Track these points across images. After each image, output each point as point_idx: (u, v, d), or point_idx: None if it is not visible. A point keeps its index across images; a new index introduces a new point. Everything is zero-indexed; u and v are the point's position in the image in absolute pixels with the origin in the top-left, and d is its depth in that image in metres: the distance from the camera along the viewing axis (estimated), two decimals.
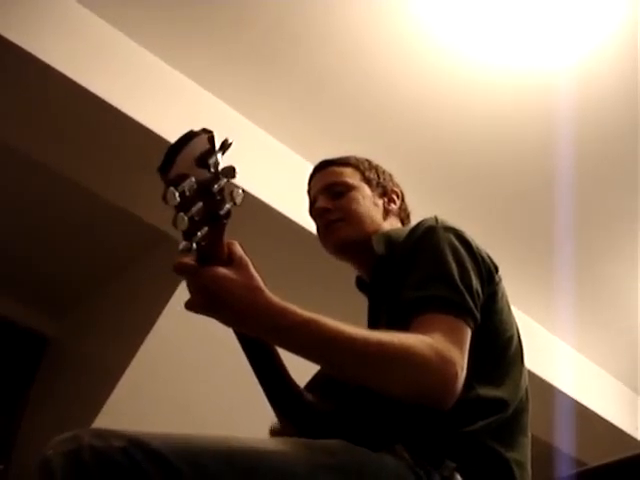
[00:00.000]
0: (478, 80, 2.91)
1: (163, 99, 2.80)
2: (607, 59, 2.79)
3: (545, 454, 4.18)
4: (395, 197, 1.62)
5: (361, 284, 1.56)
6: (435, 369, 1.10)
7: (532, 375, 3.87)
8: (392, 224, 1.57)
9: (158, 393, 3.34)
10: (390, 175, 1.66)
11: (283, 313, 1.06)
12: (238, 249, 1.08)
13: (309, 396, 1.32)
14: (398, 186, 1.66)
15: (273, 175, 3.07)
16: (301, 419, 1.32)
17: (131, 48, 2.75)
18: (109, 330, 3.61)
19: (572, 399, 4.16)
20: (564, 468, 4.26)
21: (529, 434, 1.32)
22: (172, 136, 2.94)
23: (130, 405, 3.26)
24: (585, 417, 4.26)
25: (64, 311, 3.97)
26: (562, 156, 3.14)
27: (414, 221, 1.59)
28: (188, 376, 3.34)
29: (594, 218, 3.51)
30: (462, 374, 1.13)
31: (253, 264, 1.08)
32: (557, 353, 4.27)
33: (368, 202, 1.54)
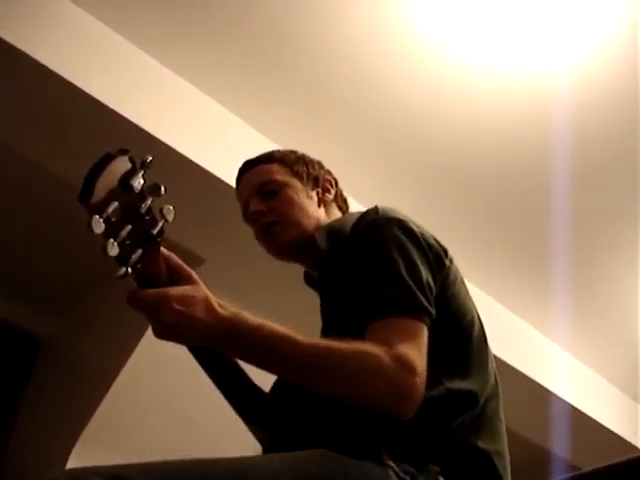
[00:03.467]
0: (476, 83, 2.91)
1: (161, 101, 2.79)
2: (606, 62, 2.78)
3: (541, 459, 4.18)
4: (329, 186, 1.56)
5: (310, 280, 1.52)
6: (392, 376, 1.09)
7: (528, 379, 3.90)
8: (330, 214, 1.52)
9: (152, 396, 3.34)
10: (319, 163, 1.59)
11: (235, 321, 1.05)
12: (181, 263, 1.07)
13: (278, 400, 1.30)
14: (330, 173, 1.59)
15: None
16: (272, 424, 1.30)
17: (129, 50, 2.74)
18: (104, 332, 3.59)
19: (568, 404, 4.15)
20: (560, 473, 4.25)
21: (503, 418, 1.30)
22: (170, 139, 2.95)
23: (124, 407, 3.25)
24: (581, 422, 4.26)
25: (59, 312, 3.95)
26: (560, 159, 3.14)
27: (353, 208, 1.58)
28: (182, 379, 3.32)
29: (591, 221, 3.51)
30: (422, 382, 1.11)
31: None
32: (553, 358, 4.26)
33: (302, 197, 1.48)
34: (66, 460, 3.14)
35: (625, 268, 3.78)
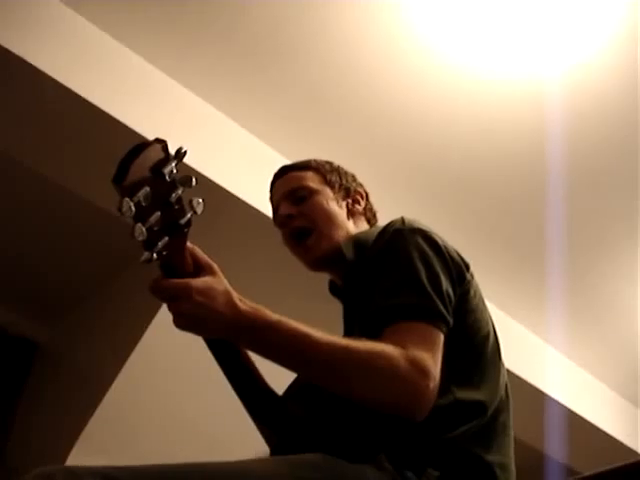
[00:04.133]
0: (472, 88, 2.91)
1: (158, 106, 2.79)
2: (603, 65, 2.79)
3: (539, 463, 4.17)
4: (359, 197, 1.58)
5: (334, 289, 1.54)
6: (406, 377, 1.09)
7: (526, 383, 3.89)
8: (359, 225, 1.54)
9: (148, 401, 3.33)
10: (353, 176, 1.62)
11: (255, 315, 1.07)
12: (203, 255, 1.08)
13: (288, 403, 1.31)
14: (361, 186, 1.62)
15: (265, 183, 3.06)
16: (280, 426, 1.30)
17: (122, 53, 2.74)
18: (100, 337, 3.59)
19: (566, 408, 4.15)
20: (558, 477, 4.25)
21: (511, 432, 1.31)
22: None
23: (121, 412, 3.25)
24: (579, 426, 4.25)
25: (55, 317, 3.95)
26: (556, 162, 3.14)
27: (381, 221, 1.58)
28: (178, 384, 3.33)
29: (588, 225, 3.51)
30: (435, 386, 1.12)
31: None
32: (551, 361, 4.26)
33: (332, 205, 1.51)
34: (63, 464, 3.13)
35: (623, 271, 3.78)
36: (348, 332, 1.39)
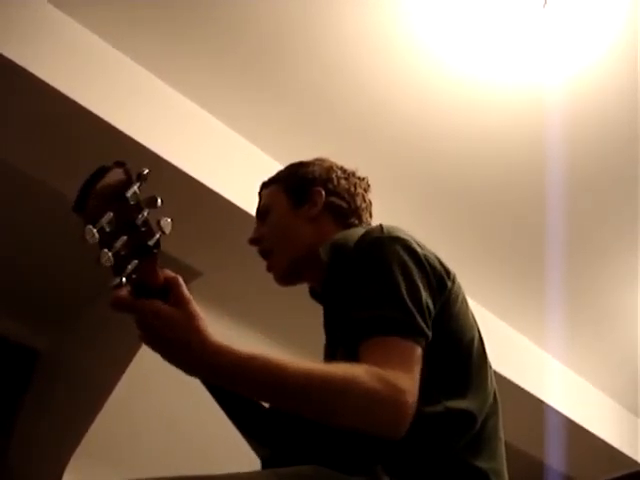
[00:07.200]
0: (472, 95, 2.92)
1: (157, 115, 2.80)
2: (603, 73, 2.80)
3: (539, 472, 4.16)
4: (317, 198, 1.50)
5: (314, 292, 1.52)
6: (383, 398, 1.07)
7: (526, 393, 3.89)
8: (321, 229, 1.48)
9: (148, 409, 3.32)
10: (323, 170, 1.54)
11: (220, 352, 1.03)
12: (180, 284, 1.05)
13: (277, 415, 1.29)
14: (331, 181, 1.52)
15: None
16: (270, 439, 1.29)
17: (123, 62, 2.75)
18: (101, 344, 3.59)
19: (566, 417, 4.14)
20: None
21: (502, 436, 1.30)
22: (163, 151, 2.93)
23: (120, 421, 3.24)
24: (580, 436, 4.24)
25: (56, 325, 3.94)
26: (556, 171, 3.14)
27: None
28: (178, 393, 3.32)
29: (588, 234, 3.51)
30: (413, 401, 1.09)
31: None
32: (550, 371, 4.26)
33: (285, 218, 1.49)
34: (62, 473, 3.13)
35: (623, 280, 3.78)
36: (329, 337, 1.38)
